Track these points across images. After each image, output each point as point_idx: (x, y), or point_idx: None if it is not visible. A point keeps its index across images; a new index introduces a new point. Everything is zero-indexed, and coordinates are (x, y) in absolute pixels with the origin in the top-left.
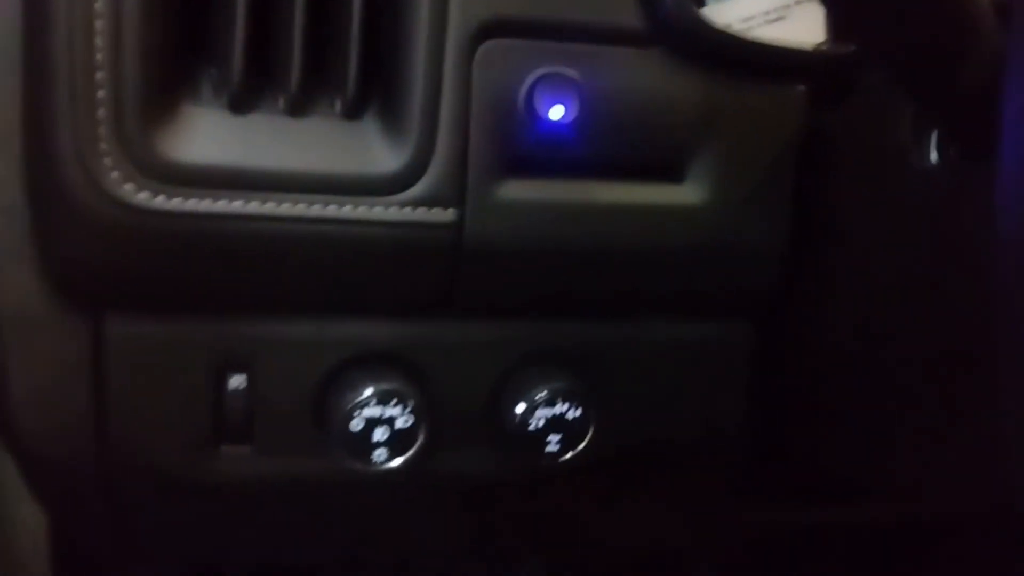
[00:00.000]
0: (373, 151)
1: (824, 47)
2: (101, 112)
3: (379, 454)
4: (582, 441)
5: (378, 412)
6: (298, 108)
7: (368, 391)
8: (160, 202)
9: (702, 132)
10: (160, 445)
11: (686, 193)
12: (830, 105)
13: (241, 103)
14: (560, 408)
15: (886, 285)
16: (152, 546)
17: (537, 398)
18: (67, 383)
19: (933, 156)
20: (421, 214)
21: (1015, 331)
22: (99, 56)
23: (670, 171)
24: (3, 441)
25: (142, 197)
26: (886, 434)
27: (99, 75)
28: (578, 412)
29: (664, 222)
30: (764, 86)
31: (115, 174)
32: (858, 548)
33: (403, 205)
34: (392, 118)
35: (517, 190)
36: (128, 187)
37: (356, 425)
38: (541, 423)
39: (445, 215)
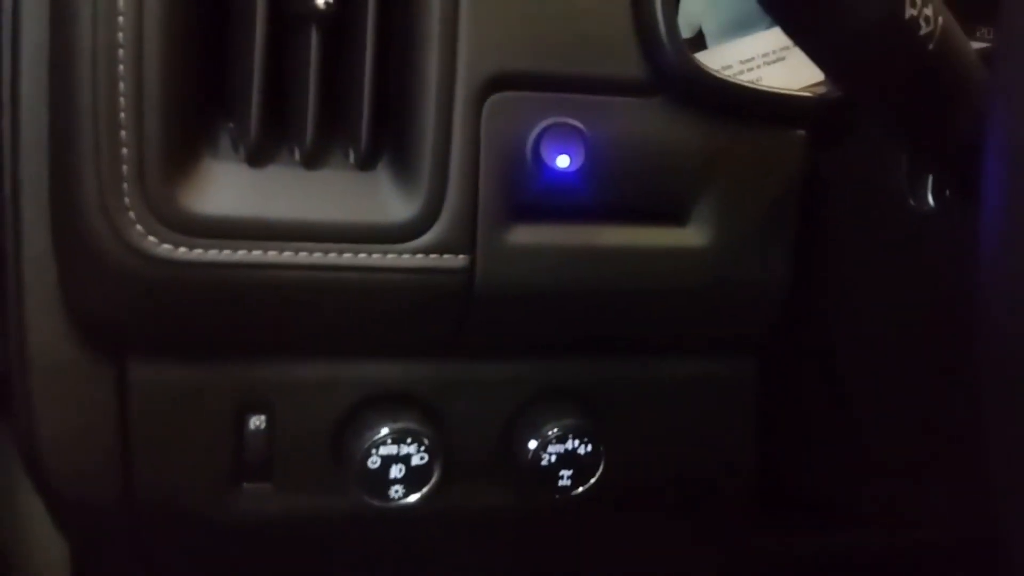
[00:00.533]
0: (386, 200)
1: (822, 89)
2: (125, 168)
3: (396, 491)
4: (593, 475)
5: (394, 450)
6: (313, 160)
7: (384, 430)
8: (182, 253)
9: (704, 177)
10: (183, 484)
11: (690, 236)
12: (830, 147)
13: (258, 156)
14: (571, 444)
15: (885, 321)
16: None
17: (549, 434)
18: (93, 426)
19: (930, 199)
20: (433, 260)
21: (998, 370)
22: (123, 115)
23: (674, 215)
24: (30, 480)
25: (164, 249)
26: (884, 465)
27: (123, 133)
28: (589, 448)
29: (669, 264)
30: (764, 131)
31: (138, 227)
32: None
33: (416, 252)
34: (404, 168)
35: (526, 235)
36: (151, 239)
37: (373, 463)
38: (553, 459)
39: (457, 261)
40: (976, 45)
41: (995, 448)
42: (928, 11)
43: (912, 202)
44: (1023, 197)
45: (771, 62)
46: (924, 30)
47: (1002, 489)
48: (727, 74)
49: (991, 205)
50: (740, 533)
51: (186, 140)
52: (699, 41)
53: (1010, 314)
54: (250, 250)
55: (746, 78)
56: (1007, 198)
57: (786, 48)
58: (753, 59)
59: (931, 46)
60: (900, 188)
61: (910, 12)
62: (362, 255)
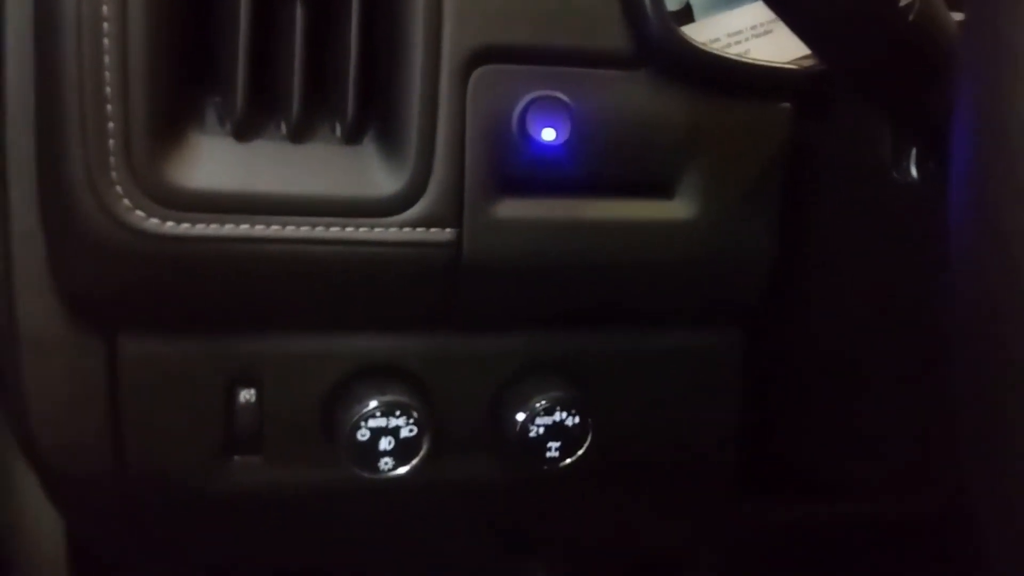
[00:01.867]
0: (373, 174)
1: (809, 62)
2: (111, 143)
3: (385, 463)
4: (581, 447)
5: (383, 423)
6: (300, 134)
7: (373, 403)
8: (169, 228)
9: (690, 149)
10: (174, 457)
11: (676, 209)
12: (815, 119)
13: (245, 130)
14: (559, 416)
15: (869, 292)
16: (167, 550)
17: (536, 407)
18: (84, 400)
19: (913, 171)
20: (420, 234)
21: (968, 342)
22: (108, 89)
23: (660, 188)
24: (24, 456)
25: (152, 223)
26: (868, 434)
27: (109, 108)
28: (576, 419)
29: (655, 237)
30: (750, 103)
31: (126, 202)
32: (846, 544)
33: (402, 225)
34: (390, 142)
35: (512, 209)
36: (139, 214)
37: (362, 435)
38: (541, 431)
39: (443, 234)
40: (958, 17)
41: (963, 419)
42: None
43: (896, 174)
44: (989, 169)
45: (759, 35)
46: (904, 1)
47: (969, 459)
48: (714, 47)
49: (957, 177)
50: (725, 502)
51: (172, 114)
52: (687, 14)
53: (976, 286)
54: (237, 224)
55: (734, 51)
56: (973, 170)
57: (774, 20)
58: (741, 32)
59: (911, 17)
60: (884, 160)
61: None
62: (349, 229)
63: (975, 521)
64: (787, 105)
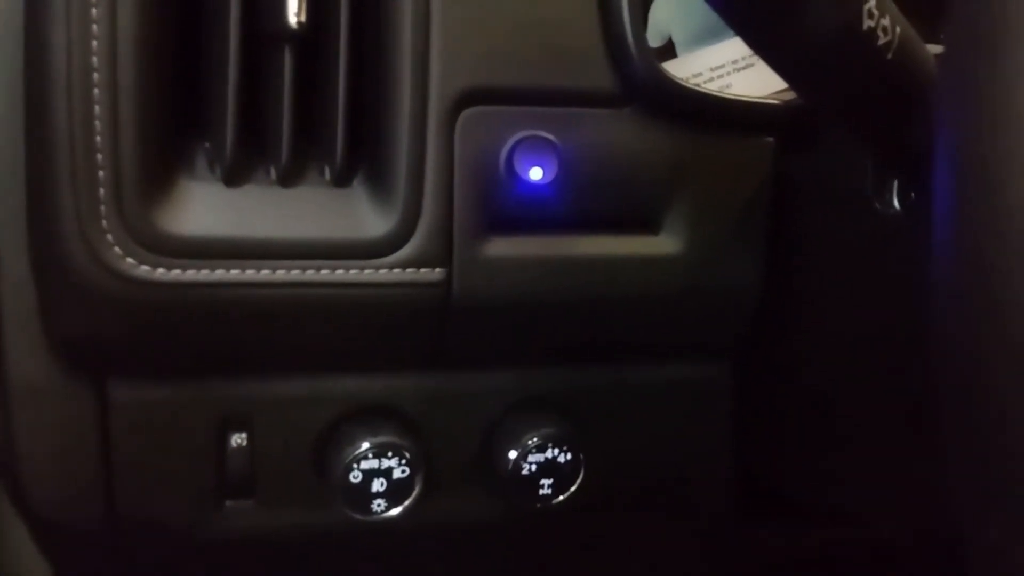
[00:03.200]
0: (362, 216)
1: (791, 96)
2: (102, 192)
3: (378, 504)
4: (574, 483)
5: (375, 464)
6: (289, 178)
7: (365, 444)
8: (160, 274)
9: (676, 185)
10: (166, 503)
11: (663, 244)
12: (798, 152)
13: (235, 175)
14: (551, 453)
15: (853, 322)
16: None
17: (528, 444)
18: (74, 448)
19: (895, 203)
20: (410, 275)
21: (949, 368)
22: (98, 139)
23: (646, 223)
24: (14, 506)
25: (143, 271)
26: (858, 461)
27: (99, 157)
28: (568, 456)
29: (643, 272)
30: (733, 138)
31: (116, 249)
32: (841, 570)
33: (392, 267)
34: (379, 184)
35: (501, 248)
36: (129, 261)
37: (355, 477)
38: (534, 468)
39: (433, 275)
40: (936, 50)
41: (950, 452)
42: (886, 22)
43: (878, 205)
44: (970, 201)
45: (740, 68)
46: (882, 40)
47: (955, 485)
48: (697, 82)
49: (940, 211)
50: (718, 531)
51: (162, 162)
52: (669, 50)
53: (959, 320)
54: (228, 269)
55: (716, 85)
56: (955, 202)
57: (755, 55)
58: (723, 66)
59: (890, 55)
60: (866, 192)
61: (868, 23)
62: (339, 271)
63: (963, 538)
64: (770, 139)
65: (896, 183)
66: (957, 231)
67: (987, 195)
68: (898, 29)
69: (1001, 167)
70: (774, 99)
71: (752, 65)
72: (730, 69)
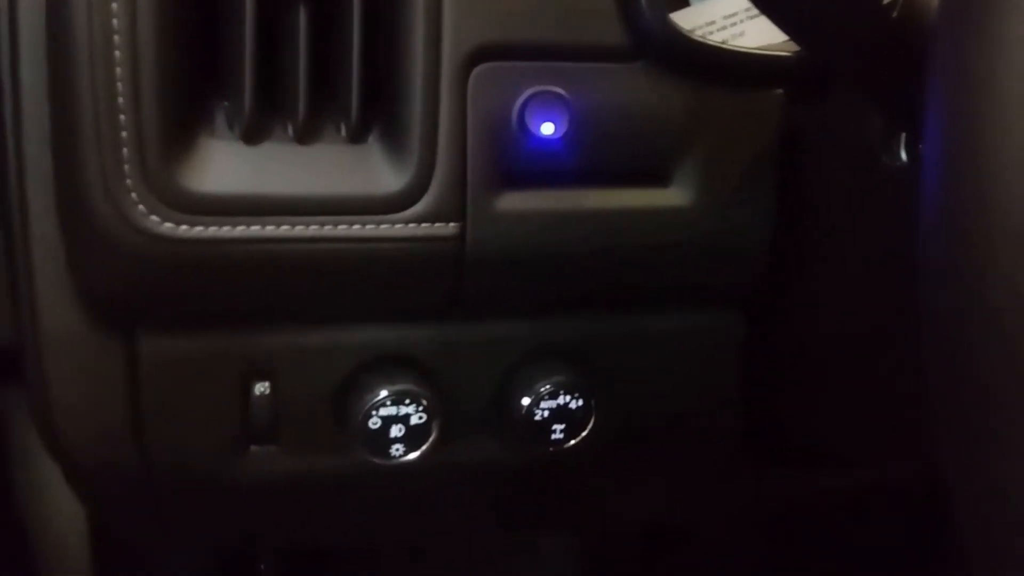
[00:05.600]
0: (378, 172)
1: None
2: (125, 151)
3: (396, 449)
4: (585, 429)
5: (393, 411)
6: (306, 135)
7: (383, 392)
8: (183, 231)
9: (686, 138)
10: (194, 448)
11: (673, 196)
12: (808, 104)
13: (253, 133)
14: (563, 399)
15: (862, 272)
16: (187, 535)
17: (541, 391)
18: (105, 395)
19: (903, 155)
20: (425, 229)
21: (938, 321)
22: (121, 100)
23: (657, 176)
24: (47, 448)
25: (166, 227)
26: (866, 407)
27: (122, 117)
28: (580, 402)
29: (654, 223)
30: (743, 91)
31: (140, 207)
32: (844, 514)
33: (408, 221)
34: (394, 140)
35: (514, 201)
36: (153, 218)
37: (374, 424)
38: (546, 414)
39: (447, 229)
40: None
41: (933, 399)
42: None
43: (885, 158)
44: (956, 173)
45: (753, 16)
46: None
47: (941, 432)
48: (710, 30)
49: (930, 153)
50: (726, 474)
51: (183, 121)
52: None
53: (948, 262)
54: (248, 225)
55: (728, 33)
56: (942, 172)
57: None
58: (736, 14)
59: (895, 13)
60: (874, 144)
61: None
62: (356, 226)
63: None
64: (780, 91)
65: (904, 135)
66: (944, 200)
67: (973, 168)
68: None
69: (988, 144)
70: (784, 50)
71: None
72: (743, 16)
